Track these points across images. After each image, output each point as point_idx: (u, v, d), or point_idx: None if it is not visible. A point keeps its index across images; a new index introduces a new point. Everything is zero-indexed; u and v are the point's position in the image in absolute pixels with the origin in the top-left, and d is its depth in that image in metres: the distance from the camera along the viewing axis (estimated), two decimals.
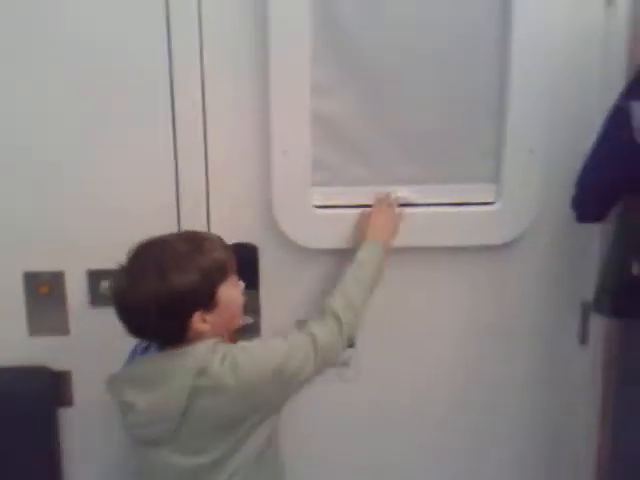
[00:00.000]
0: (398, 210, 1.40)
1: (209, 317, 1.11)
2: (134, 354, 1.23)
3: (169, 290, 1.07)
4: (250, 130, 1.38)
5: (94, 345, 1.45)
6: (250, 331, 1.43)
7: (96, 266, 1.40)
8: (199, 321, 1.10)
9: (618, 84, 1.33)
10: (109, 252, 1.37)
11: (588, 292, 1.45)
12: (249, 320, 1.43)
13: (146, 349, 1.20)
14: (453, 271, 1.49)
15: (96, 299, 1.42)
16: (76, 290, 1.42)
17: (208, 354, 1.10)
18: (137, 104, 1.35)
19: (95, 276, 1.41)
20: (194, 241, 1.13)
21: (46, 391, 1.44)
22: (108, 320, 1.40)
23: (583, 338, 1.54)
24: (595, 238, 1.48)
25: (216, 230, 1.41)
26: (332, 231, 1.42)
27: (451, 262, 1.48)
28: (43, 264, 1.40)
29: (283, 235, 1.42)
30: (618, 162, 1.24)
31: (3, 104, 1.34)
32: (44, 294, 1.41)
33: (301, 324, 1.22)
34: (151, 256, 1.11)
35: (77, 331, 1.44)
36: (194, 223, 1.39)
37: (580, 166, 1.32)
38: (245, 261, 1.42)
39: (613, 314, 1.34)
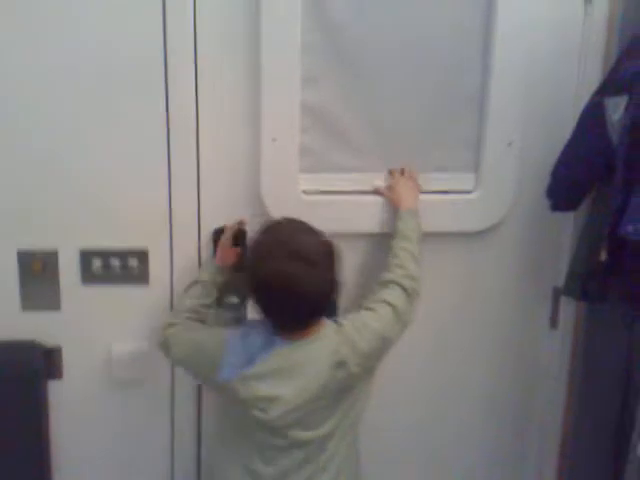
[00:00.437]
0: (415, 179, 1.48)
1: None
2: (246, 348, 1.23)
3: (334, 275, 1.21)
4: (241, 118, 1.42)
5: (84, 321, 1.49)
6: (235, 309, 1.49)
7: (88, 246, 1.45)
8: None
9: (595, 80, 1.40)
10: (101, 232, 1.45)
11: (561, 278, 1.52)
12: (235, 300, 1.49)
13: (266, 344, 1.22)
14: (433, 256, 1.53)
15: (87, 277, 1.46)
16: (68, 268, 1.46)
17: (335, 335, 1.22)
18: (132, 93, 1.38)
19: (87, 255, 1.45)
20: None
21: (37, 365, 1.48)
22: (98, 298, 1.48)
23: (553, 322, 1.61)
24: (569, 226, 1.55)
25: (207, 215, 1.47)
26: (319, 216, 1.45)
27: (432, 247, 1.52)
28: (37, 242, 1.44)
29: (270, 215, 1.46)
30: (591, 154, 1.30)
31: (6, 89, 1.36)
32: (37, 271, 1.45)
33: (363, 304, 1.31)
34: (309, 246, 1.19)
35: (68, 308, 1.48)
36: (185, 208, 1.45)
37: (556, 158, 1.39)
38: (235, 243, 1.47)
39: (581, 297, 1.41)
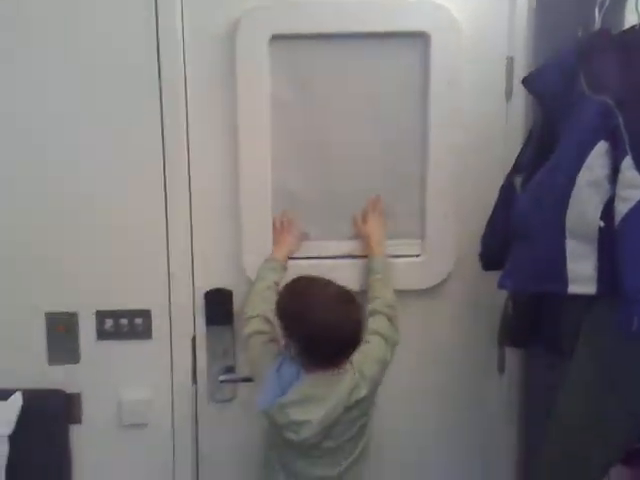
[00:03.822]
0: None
1: None
2: (280, 380, 1.45)
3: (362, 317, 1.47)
4: (226, 200, 1.74)
5: (99, 371, 1.78)
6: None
7: (103, 308, 1.75)
8: None
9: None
10: (113, 297, 1.75)
11: None
12: None
13: (297, 376, 1.45)
14: None
15: (102, 334, 1.76)
16: (86, 327, 1.76)
17: (349, 366, 1.46)
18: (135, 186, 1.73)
19: (102, 316, 1.75)
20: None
21: (60, 410, 1.75)
22: (110, 351, 1.77)
23: (501, 367, 1.83)
24: None
25: (198, 279, 1.77)
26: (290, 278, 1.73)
27: None
28: (61, 306, 1.75)
29: (251, 281, 1.74)
30: (506, 224, 1.56)
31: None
32: (61, 331, 1.75)
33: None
34: (345, 294, 1.45)
35: (86, 360, 1.78)
36: (182, 274, 1.75)
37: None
38: (222, 302, 1.77)
39: (511, 344, 1.64)
